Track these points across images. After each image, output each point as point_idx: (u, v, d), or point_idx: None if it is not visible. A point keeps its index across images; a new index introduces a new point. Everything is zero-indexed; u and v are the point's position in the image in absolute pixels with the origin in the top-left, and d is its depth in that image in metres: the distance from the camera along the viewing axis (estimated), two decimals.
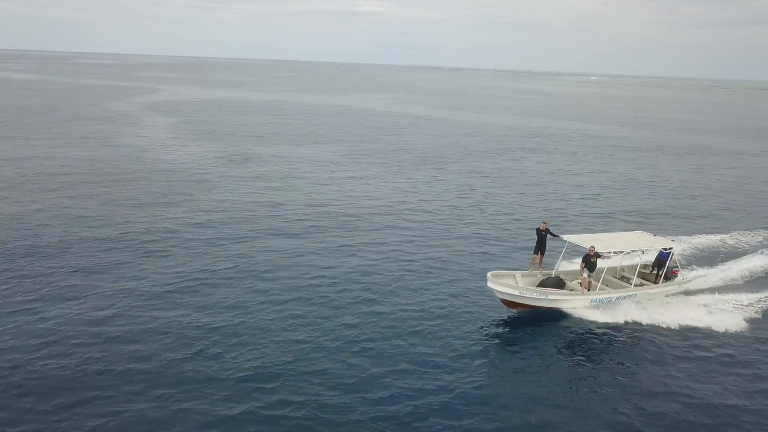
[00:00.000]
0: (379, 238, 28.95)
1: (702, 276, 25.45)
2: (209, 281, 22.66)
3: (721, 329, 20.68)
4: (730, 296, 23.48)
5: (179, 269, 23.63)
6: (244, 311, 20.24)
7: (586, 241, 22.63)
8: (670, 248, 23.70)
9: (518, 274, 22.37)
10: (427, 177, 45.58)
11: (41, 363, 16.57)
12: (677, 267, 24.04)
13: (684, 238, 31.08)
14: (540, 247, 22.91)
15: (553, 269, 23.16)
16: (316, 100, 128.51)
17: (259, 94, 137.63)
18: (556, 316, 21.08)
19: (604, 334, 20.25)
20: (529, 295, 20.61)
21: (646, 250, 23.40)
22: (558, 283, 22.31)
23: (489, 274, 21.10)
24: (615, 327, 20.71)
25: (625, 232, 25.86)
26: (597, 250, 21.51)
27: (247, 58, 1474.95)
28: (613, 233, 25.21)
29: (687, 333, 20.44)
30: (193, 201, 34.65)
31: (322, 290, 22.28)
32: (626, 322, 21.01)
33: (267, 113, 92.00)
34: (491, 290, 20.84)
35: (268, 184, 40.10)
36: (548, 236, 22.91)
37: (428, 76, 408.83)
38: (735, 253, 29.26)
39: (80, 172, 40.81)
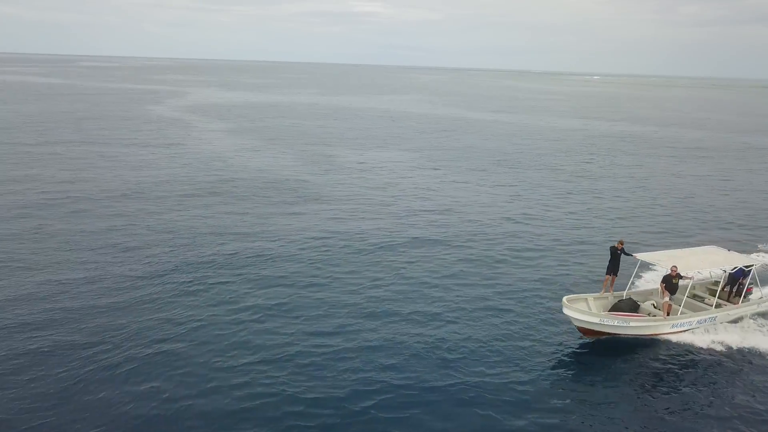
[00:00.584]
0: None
1: None
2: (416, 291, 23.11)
3: None
4: None
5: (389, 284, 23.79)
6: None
7: (663, 260, 21.22)
8: (752, 265, 22.23)
9: (590, 297, 21.03)
10: (522, 182, 45.74)
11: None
12: (753, 284, 22.51)
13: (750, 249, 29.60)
14: (613, 268, 21.54)
15: (623, 290, 21.85)
16: (347, 102, 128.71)
17: (290, 97, 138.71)
18: (634, 342, 19.80)
19: (689, 362, 18.96)
20: (610, 322, 19.26)
21: (735, 269, 21.83)
22: (632, 306, 20.97)
23: (564, 299, 19.68)
24: (699, 354, 19.40)
25: (697, 248, 24.08)
26: (679, 270, 20.09)
27: (246, 60, 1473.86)
28: (685, 249, 23.54)
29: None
30: (321, 208, 34.97)
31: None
32: (710, 349, 19.64)
33: (313, 116, 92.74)
34: (568, 317, 19.49)
35: (383, 192, 40.03)
36: (622, 256, 21.51)
37: (435, 77, 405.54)
38: None
39: (183, 182, 40.51)
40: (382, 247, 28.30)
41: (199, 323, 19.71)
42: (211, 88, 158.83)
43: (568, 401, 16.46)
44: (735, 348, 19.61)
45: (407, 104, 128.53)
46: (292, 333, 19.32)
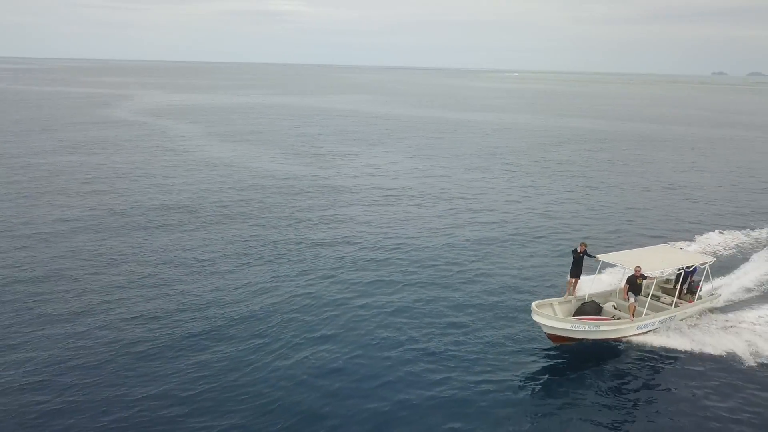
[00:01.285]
0: None
1: (724, 286, 24.55)
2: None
3: (752, 360, 19.12)
4: (758, 312, 22.11)
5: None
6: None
7: (626, 261, 21.23)
8: (706, 263, 22.61)
9: (555, 301, 20.77)
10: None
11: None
12: (701, 280, 22.74)
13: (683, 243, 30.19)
14: (576, 271, 21.32)
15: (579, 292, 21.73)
16: (307, 102, 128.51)
17: (250, 98, 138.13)
18: (599, 345, 19.62)
19: (654, 364, 18.94)
20: (581, 328, 19.02)
21: (690, 267, 21.95)
22: (596, 309, 20.83)
23: (533, 305, 19.26)
24: (663, 355, 19.40)
25: (652, 247, 24.15)
26: (642, 270, 20.14)
27: (170, 60, 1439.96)
28: (641, 249, 23.54)
29: (735, 360, 19.05)
30: (357, 214, 34.89)
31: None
32: (673, 349, 19.65)
33: (288, 117, 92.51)
34: (538, 324, 19.17)
35: (427, 203, 38.68)
36: (585, 258, 21.42)
37: (370, 76, 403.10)
38: (739, 258, 28.59)
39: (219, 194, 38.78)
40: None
41: None
42: (158, 91, 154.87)
43: (540, 411, 16.19)
44: (694, 348, 19.67)
45: (367, 105, 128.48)
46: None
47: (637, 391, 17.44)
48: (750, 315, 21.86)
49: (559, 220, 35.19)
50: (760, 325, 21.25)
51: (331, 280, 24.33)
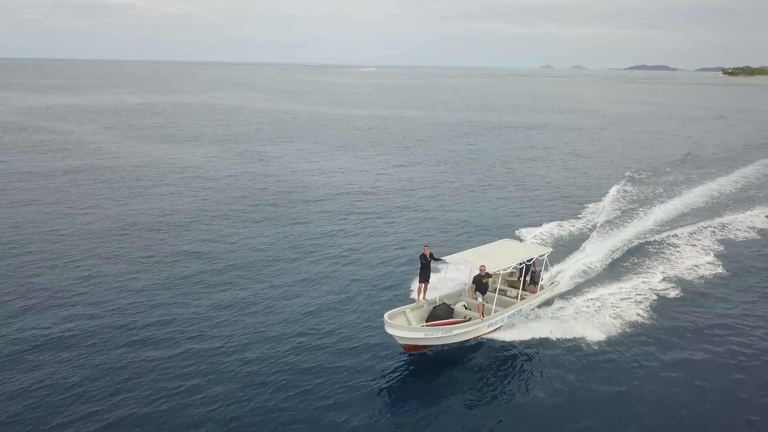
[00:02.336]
0: None
1: (561, 272, 26.02)
2: None
3: (599, 336, 20.59)
4: (594, 293, 23.84)
5: None
6: None
7: (471, 260, 21.50)
8: (544, 254, 23.67)
9: (408, 309, 20.53)
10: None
11: None
12: (541, 270, 23.95)
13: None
14: (425, 275, 21.24)
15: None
16: (197, 100, 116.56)
17: (132, 98, 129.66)
18: (455, 348, 19.75)
19: (507, 359, 19.40)
20: (434, 335, 18.84)
21: (531, 259, 22.84)
22: (447, 311, 20.94)
23: (385, 316, 18.83)
24: (514, 349, 19.96)
25: (494, 243, 24.73)
26: (487, 269, 20.45)
27: None
28: (484, 246, 24.12)
29: (583, 343, 20.15)
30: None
31: None
32: (522, 342, 20.30)
33: (199, 115, 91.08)
34: (391, 336, 18.71)
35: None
36: (432, 261, 21.39)
37: (229, 73, 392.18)
38: (573, 246, 30.37)
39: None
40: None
41: None
42: (13, 92, 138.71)
43: (399, 422, 15.94)
44: (542, 337, 20.46)
45: (272, 103, 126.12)
46: None
47: (494, 386, 17.82)
48: (579, 300, 23.34)
49: (399, 224, 34.57)
50: (587, 308, 22.75)
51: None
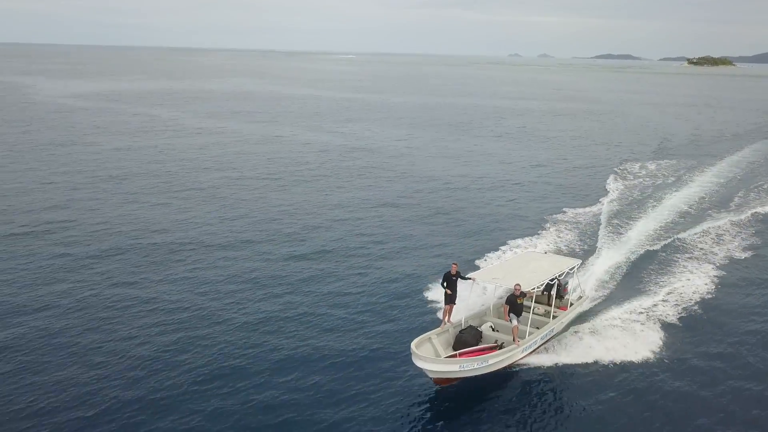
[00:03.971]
0: None
1: (581, 283, 23.79)
2: None
3: (644, 352, 19.08)
4: (626, 305, 22.23)
5: None
6: None
7: (500, 277, 19.41)
8: (574, 266, 21.74)
9: (433, 334, 18.33)
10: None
11: None
12: (567, 283, 21.92)
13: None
14: (451, 296, 19.07)
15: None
16: (198, 86, 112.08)
17: (126, 84, 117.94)
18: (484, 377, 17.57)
19: (544, 388, 17.59)
20: (470, 366, 16.76)
21: (561, 274, 20.83)
22: (476, 335, 18.91)
23: (413, 346, 16.70)
24: (550, 375, 18.08)
25: (520, 256, 22.75)
26: (522, 288, 18.36)
27: None
28: (510, 260, 22.09)
29: (617, 365, 18.49)
30: None
31: None
32: (558, 365, 18.47)
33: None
34: (420, 369, 16.52)
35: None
36: (458, 281, 19.20)
37: (204, 59, 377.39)
38: (578, 253, 27.76)
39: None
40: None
41: None
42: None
43: None
44: (581, 359, 18.64)
45: (302, 89, 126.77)
46: None
47: (532, 419, 16.01)
48: (612, 314, 21.56)
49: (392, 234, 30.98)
50: (623, 321, 21.02)
51: None
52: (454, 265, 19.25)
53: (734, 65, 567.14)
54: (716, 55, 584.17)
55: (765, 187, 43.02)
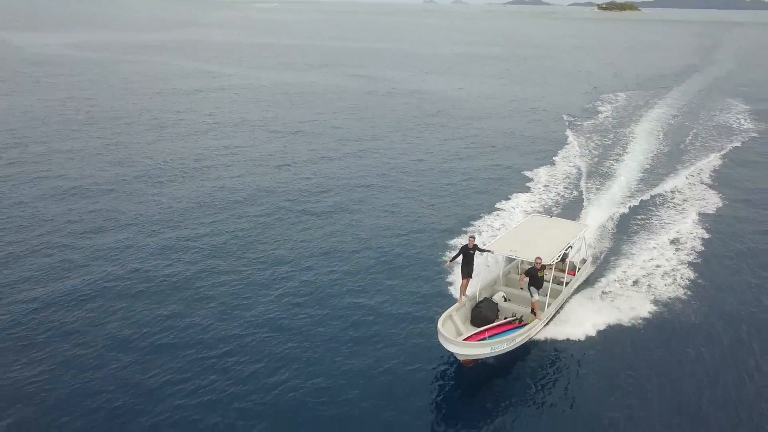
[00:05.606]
0: None
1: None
2: None
3: (660, 310, 19.12)
4: (628, 263, 22.08)
5: None
6: None
7: (518, 248, 18.42)
8: (584, 230, 21.17)
9: (453, 311, 17.31)
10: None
11: None
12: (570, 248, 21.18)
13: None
14: (468, 270, 18.02)
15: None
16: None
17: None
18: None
19: (563, 358, 17.05)
20: (500, 348, 15.87)
21: (577, 239, 20.20)
22: (492, 307, 18.07)
23: (439, 326, 15.78)
24: (568, 345, 17.52)
25: (528, 222, 21.44)
26: (543, 261, 17.45)
27: None
28: (519, 228, 20.75)
29: (644, 324, 18.43)
30: None
31: None
32: (575, 334, 17.89)
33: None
34: (449, 351, 15.48)
35: None
36: (476, 254, 18.11)
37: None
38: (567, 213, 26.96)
39: None
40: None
41: None
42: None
43: None
44: (598, 325, 18.20)
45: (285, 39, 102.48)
46: None
47: (552, 393, 15.60)
48: (616, 274, 21.27)
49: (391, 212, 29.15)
50: (623, 285, 20.75)
51: None
52: (471, 239, 18.23)
53: (639, 10, 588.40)
54: (620, 0, 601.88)
55: (715, 123, 44.35)
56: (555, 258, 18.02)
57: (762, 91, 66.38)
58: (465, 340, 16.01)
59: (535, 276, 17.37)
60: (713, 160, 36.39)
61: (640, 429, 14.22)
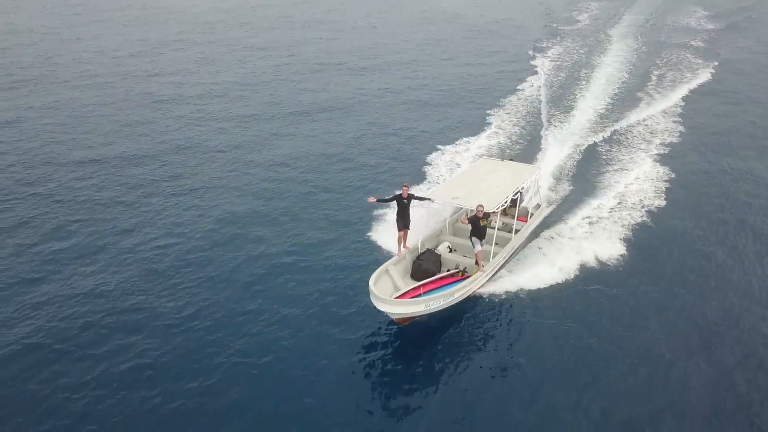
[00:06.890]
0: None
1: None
2: None
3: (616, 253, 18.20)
4: (583, 208, 20.73)
5: None
6: None
7: (461, 196, 16.84)
8: (535, 173, 19.61)
9: (390, 266, 15.94)
10: None
11: None
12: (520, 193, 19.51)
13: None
14: (404, 220, 16.47)
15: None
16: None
17: None
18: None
19: (508, 307, 16.09)
20: (436, 304, 14.56)
21: (529, 183, 18.69)
22: (434, 259, 16.77)
23: (371, 285, 14.39)
24: (519, 295, 16.43)
25: (476, 165, 19.76)
26: (486, 209, 15.92)
27: None
28: (463, 173, 19.21)
29: (601, 271, 17.47)
30: None
31: None
32: (525, 284, 16.76)
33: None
34: (384, 313, 14.18)
35: None
36: (412, 202, 16.52)
37: None
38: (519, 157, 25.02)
39: None
40: None
41: None
42: None
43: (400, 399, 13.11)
44: (549, 275, 17.09)
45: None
46: None
47: (497, 346, 14.85)
48: (571, 221, 19.94)
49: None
50: (583, 228, 19.58)
51: None
52: (404, 187, 16.51)
53: None
54: None
55: (674, 59, 42.20)
56: (500, 205, 16.55)
57: None
58: (399, 297, 14.64)
59: (477, 224, 15.91)
60: (681, 92, 34.56)
61: (599, 386, 13.32)
